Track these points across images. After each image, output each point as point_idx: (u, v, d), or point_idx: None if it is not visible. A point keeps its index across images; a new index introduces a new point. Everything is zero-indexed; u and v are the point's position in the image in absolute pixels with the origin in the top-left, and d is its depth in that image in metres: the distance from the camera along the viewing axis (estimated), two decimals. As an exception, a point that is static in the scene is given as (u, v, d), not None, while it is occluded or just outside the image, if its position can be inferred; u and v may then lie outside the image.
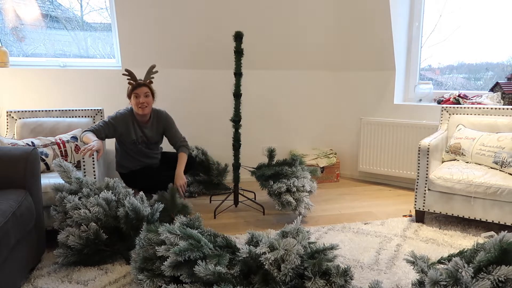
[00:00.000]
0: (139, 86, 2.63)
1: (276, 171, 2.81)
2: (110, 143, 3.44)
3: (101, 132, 2.59)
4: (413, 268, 1.73)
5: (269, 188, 2.76)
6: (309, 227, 2.63)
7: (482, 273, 1.52)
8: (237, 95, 2.81)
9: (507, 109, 2.82)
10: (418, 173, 2.66)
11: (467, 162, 2.75)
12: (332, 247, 1.82)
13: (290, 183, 2.71)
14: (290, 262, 1.66)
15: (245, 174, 3.76)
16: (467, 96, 3.25)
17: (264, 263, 1.67)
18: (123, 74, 2.65)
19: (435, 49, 3.67)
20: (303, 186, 2.73)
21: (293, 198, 2.67)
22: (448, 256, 1.85)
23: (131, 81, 2.65)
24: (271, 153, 2.99)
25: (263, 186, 2.82)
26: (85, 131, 2.56)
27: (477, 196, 2.44)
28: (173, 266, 1.70)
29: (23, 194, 1.89)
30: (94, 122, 3.03)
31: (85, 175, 2.42)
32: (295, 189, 2.69)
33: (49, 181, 2.28)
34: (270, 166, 2.93)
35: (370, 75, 3.71)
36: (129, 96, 2.67)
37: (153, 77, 2.72)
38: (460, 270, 1.50)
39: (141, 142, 2.74)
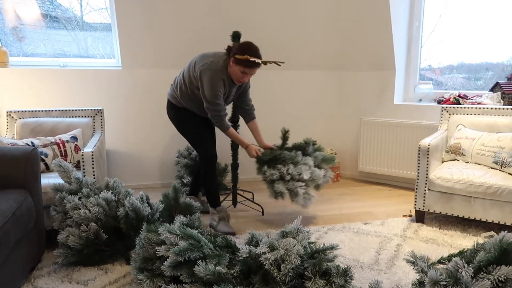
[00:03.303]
0: (256, 66, 2.37)
1: (275, 156, 2.52)
2: (110, 143, 3.45)
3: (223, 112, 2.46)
4: (413, 268, 1.73)
5: (262, 175, 2.52)
6: (309, 227, 2.63)
7: (482, 273, 1.52)
8: (236, 95, 2.80)
9: (507, 109, 2.82)
10: (418, 173, 2.66)
11: (467, 162, 2.75)
12: (332, 247, 1.81)
13: (284, 170, 2.45)
14: (290, 262, 1.66)
15: (244, 174, 3.76)
16: (467, 96, 3.25)
17: (264, 263, 1.67)
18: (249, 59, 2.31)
19: (435, 49, 3.68)
20: (299, 174, 2.45)
21: (286, 188, 2.44)
22: (448, 256, 1.85)
23: (252, 57, 2.31)
24: (284, 135, 2.72)
25: (258, 171, 2.57)
26: (223, 124, 2.48)
27: (477, 196, 2.44)
28: (173, 266, 1.70)
29: (23, 194, 1.89)
30: (94, 123, 3.02)
31: (84, 175, 2.42)
32: (289, 177, 2.44)
33: (49, 181, 2.28)
34: (281, 149, 2.66)
35: (370, 75, 3.71)
36: (237, 61, 2.34)
37: (270, 63, 2.44)
38: (460, 270, 1.50)
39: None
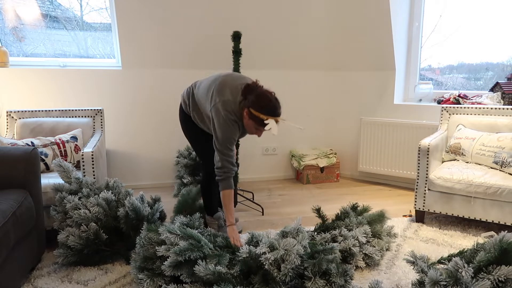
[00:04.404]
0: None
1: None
2: (110, 143, 3.45)
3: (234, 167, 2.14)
4: (413, 268, 1.73)
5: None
6: (309, 227, 2.62)
7: (482, 273, 1.52)
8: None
9: (507, 109, 2.82)
10: (418, 173, 2.66)
11: (467, 162, 2.75)
12: (332, 247, 1.82)
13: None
14: (290, 262, 1.66)
15: (244, 174, 3.77)
16: (467, 96, 3.25)
17: (264, 263, 1.67)
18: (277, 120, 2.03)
19: (435, 49, 3.67)
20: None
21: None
22: (448, 256, 1.85)
23: (268, 117, 2.01)
24: (319, 212, 2.34)
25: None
26: (225, 180, 2.11)
27: (477, 196, 2.44)
28: (173, 266, 1.70)
29: (23, 194, 1.88)
30: (94, 123, 3.02)
31: (84, 175, 2.42)
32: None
33: (49, 181, 2.28)
34: (322, 227, 2.29)
35: (370, 75, 3.71)
36: (251, 116, 2.03)
37: (282, 120, 2.09)
38: (460, 270, 1.50)
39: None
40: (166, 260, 1.71)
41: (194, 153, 3.35)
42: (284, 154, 3.94)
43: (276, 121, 2.03)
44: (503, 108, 2.84)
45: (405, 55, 3.66)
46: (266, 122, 2.00)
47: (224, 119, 2.07)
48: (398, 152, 3.51)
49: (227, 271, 1.70)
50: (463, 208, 2.51)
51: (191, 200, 2.53)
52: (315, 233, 2.23)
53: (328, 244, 1.99)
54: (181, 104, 2.41)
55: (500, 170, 2.54)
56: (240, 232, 2.54)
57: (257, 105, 2.01)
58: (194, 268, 1.67)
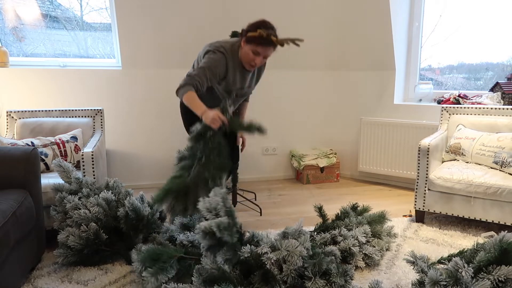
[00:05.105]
0: (268, 45, 2.06)
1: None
2: (110, 143, 3.45)
3: (204, 87, 2.04)
4: (413, 268, 1.73)
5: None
6: (309, 227, 2.62)
7: (482, 273, 1.52)
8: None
9: (507, 109, 2.82)
10: (418, 173, 2.66)
11: (467, 162, 2.75)
12: (331, 251, 1.82)
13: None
14: (293, 264, 1.66)
15: (244, 174, 3.77)
16: (467, 96, 3.25)
17: (266, 262, 1.67)
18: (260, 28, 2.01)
19: (435, 49, 3.68)
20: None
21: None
22: (448, 256, 1.85)
23: (264, 32, 2.02)
24: (320, 211, 2.33)
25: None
26: (185, 86, 2.02)
27: (477, 196, 2.44)
28: (207, 233, 1.60)
29: (23, 194, 1.88)
30: (94, 123, 3.02)
31: (84, 175, 2.42)
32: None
33: (48, 181, 2.28)
34: (323, 227, 2.30)
35: (370, 75, 3.71)
36: (248, 40, 2.07)
37: (287, 43, 2.08)
38: (460, 270, 1.50)
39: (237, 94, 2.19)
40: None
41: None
42: (284, 154, 3.94)
43: (272, 39, 2.03)
44: (503, 108, 2.84)
45: (405, 55, 3.66)
46: (265, 35, 2.00)
47: (212, 51, 2.10)
48: (398, 152, 3.51)
49: (232, 270, 1.70)
50: (463, 208, 2.51)
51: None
52: (315, 233, 2.23)
53: (328, 244, 2.02)
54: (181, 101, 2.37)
55: (500, 170, 2.54)
56: None
57: (250, 27, 2.08)
58: (201, 259, 1.63)
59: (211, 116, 1.92)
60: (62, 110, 3.00)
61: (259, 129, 1.98)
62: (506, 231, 1.63)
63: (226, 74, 2.18)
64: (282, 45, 2.07)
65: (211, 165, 1.93)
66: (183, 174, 1.92)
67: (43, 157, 2.57)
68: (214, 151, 1.93)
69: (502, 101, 3.03)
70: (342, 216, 2.33)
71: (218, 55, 2.10)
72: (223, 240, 1.63)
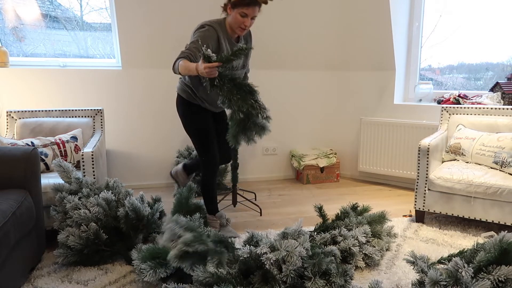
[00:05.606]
0: (254, 4, 2.10)
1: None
2: (110, 143, 3.45)
3: (197, 57, 2.04)
4: (413, 268, 1.73)
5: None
6: (309, 227, 2.62)
7: (482, 273, 1.52)
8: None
9: (507, 109, 2.82)
10: (418, 173, 2.66)
11: (467, 162, 2.75)
12: (331, 251, 1.82)
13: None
14: (292, 264, 1.66)
15: (244, 174, 3.77)
16: (467, 96, 3.25)
17: (265, 262, 1.67)
18: None
19: (435, 49, 3.68)
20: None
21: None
22: (448, 256, 1.85)
23: None
24: (321, 211, 2.33)
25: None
26: (177, 60, 2.04)
27: (477, 196, 2.44)
28: (179, 257, 1.65)
29: (23, 194, 1.88)
30: (94, 123, 3.02)
31: (84, 175, 2.42)
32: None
33: (49, 181, 2.28)
34: (323, 226, 2.29)
35: (370, 75, 3.71)
36: (234, 4, 2.13)
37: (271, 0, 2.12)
38: (460, 270, 1.50)
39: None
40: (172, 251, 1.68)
41: (194, 152, 3.35)
42: (284, 154, 3.94)
43: (255, 2, 2.08)
44: (503, 108, 2.84)
45: (405, 55, 3.66)
46: None
47: (200, 26, 2.16)
48: (398, 152, 3.51)
49: (228, 272, 1.70)
50: (463, 208, 2.51)
51: (185, 200, 2.50)
52: (315, 233, 2.23)
53: (328, 245, 2.02)
54: (177, 98, 2.43)
55: (500, 170, 2.54)
56: (228, 222, 2.52)
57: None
58: (192, 273, 1.65)
59: (204, 71, 1.90)
60: (62, 110, 3.00)
61: (245, 49, 2.03)
62: (506, 231, 1.63)
63: (219, 47, 2.20)
64: (265, 2, 2.15)
65: (242, 99, 2.09)
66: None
67: (43, 157, 2.57)
68: (233, 90, 2.06)
69: (502, 101, 3.03)
70: (342, 216, 2.34)
71: (207, 28, 2.16)
72: (199, 250, 1.65)
